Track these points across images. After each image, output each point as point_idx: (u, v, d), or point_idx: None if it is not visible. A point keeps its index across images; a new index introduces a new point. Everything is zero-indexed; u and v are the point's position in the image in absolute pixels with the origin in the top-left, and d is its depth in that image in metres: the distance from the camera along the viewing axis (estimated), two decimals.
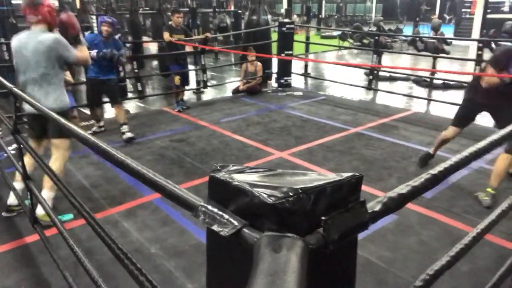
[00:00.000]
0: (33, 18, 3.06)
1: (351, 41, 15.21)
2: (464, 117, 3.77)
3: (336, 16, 28.24)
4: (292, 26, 7.78)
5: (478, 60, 6.49)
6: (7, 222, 3.21)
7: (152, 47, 12.71)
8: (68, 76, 5.42)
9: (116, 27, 5.02)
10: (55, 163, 3.13)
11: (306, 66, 9.42)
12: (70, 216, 3.16)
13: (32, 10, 3.03)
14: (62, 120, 1.59)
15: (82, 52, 3.25)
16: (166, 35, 5.94)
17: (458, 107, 3.93)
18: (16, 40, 3.14)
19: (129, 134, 4.95)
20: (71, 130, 1.45)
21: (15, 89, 2.40)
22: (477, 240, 1.15)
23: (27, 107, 3.10)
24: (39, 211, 2.93)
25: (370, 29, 16.25)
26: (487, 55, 6.44)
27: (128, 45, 5.09)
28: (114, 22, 5.00)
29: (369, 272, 2.54)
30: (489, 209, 3.16)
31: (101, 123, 5.38)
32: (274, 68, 8.13)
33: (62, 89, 3.21)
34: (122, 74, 7.05)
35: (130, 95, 7.41)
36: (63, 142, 3.19)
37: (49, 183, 3.01)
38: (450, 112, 4.08)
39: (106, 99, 5.27)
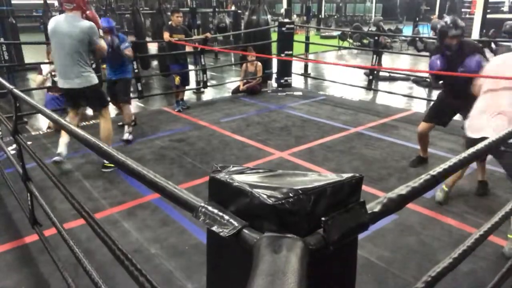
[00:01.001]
0: (69, 6, 3.63)
1: (350, 41, 15.21)
2: (435, 115, 3.93)
3: (335, 16, 28.25)
4: (292, 26, 7.78)
5: None
6: (7, 222, 3.21)
7: (152, 47, 12.70)
8: None
9: (113, 28, 4.77)
10: (105, 125, 4.09)
11: (306, 66, 9.42)
12: None
13: None
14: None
15: (102, 43, 3.90)
16: (166, 35, 5.94)
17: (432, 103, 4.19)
18: (54, 22, 3.70)
19: (126, 136, 4.92)
20: (71, 130, 1.44)
21: (15, 90, 2.40)
22: (480, 242, 1.15)
23: (60, 83, 3.85)
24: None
25: (369, 29, 16.24)
26: (487, 55, 6.43)
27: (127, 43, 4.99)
28: (111, 26, 4.71)
29: (369, 272, 2.54)
30: (440, 204, 3.28)
31: (132, 117, 5.31)
32: (274, 68, 8.13)
33: (90, 69, 3.85)
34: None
35: (130, 95, 7.41)
36: (104, 111, 4.08)
37: (105, 137, 4.06)
38: None
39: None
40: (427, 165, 4.11)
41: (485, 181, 3.53)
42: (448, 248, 2.67)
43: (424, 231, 3.00)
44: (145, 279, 0.95)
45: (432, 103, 4.15)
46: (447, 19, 3.55)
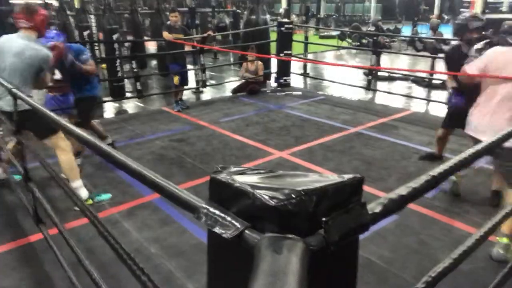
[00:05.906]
0: (25, 24, 3.09)
1: (349, 41, 15.20)
2: (452, 120, 3.64)
3: (334, 16, 28.21)
4: (291, 26, 7.78)
5: None
6: (10, 221, 3.21)
7: (151, 47, 12.69)
8: None
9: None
10: (60, 157, 3.25)
11: (305, 66, 9.42)
12: (108, 195, 3.52)
13: (27, 16, 3.08)
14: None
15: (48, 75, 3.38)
16: (166, 34, 5.94)
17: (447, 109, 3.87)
18: (1, 38, 3.16)
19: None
20: (70, 131, 1.44)
21: (15, 90, 2.40)
22: (480, 242, 1.16)
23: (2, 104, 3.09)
24: (83, 194, 3.31)
25: (368, 29, 16.23)
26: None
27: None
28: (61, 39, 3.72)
29: (369, 272, 2.54)
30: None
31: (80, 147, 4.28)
32: (273, 68, 8.13)
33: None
34: (119, 74, 7.06)
35: (128, 94, 7.43)
36: (54, 139, 3.21)
37: (67, 170, 3.28)
38: None
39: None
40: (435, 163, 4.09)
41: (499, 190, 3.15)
42: (448, 248, 2.67)
43: (424, 231, 3.00)
44: (147, 278, 0.95)
45: (448, 109, 3.80)
46: (465, 14, 3.31)
